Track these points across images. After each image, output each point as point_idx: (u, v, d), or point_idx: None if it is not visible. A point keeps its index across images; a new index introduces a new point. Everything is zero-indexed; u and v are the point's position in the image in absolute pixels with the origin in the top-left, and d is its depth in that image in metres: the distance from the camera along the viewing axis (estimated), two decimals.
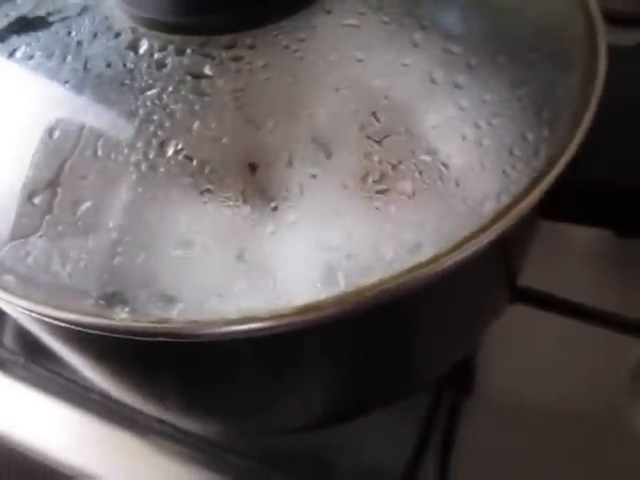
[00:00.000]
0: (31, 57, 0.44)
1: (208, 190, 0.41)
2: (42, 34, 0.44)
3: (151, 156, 0.40)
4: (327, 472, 0.68)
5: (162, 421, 0.70)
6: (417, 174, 0.46)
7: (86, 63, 0.42)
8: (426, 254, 0.41)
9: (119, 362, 0.50)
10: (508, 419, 0.70)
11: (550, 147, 0.46)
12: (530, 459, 0.68)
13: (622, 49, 0.56)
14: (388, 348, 0.51)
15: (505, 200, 0.46)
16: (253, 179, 0.41)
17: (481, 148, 0.51)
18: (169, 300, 0.39)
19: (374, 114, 0.44)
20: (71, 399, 0.74)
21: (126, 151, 0.40)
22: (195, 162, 0.40)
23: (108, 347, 0.46)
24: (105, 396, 0.71)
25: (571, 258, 0.79)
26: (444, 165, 0.49)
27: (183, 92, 0.41)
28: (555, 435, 0.69)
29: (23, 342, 0.78)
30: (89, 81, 0.42)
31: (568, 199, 0.50)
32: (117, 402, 0.71)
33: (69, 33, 0.44)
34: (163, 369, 0.49)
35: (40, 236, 0.40)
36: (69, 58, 0.43)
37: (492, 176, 0.51)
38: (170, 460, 0.69)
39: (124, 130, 0.41)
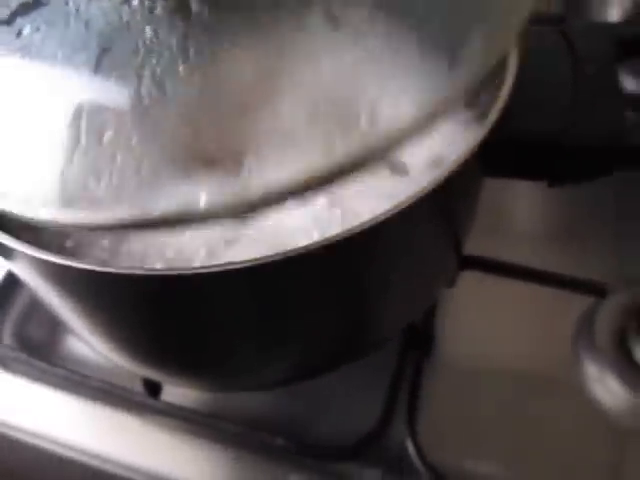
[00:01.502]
0: (37, 30, 0.47)
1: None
2: (44, 10, 0.48)
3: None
4: (307, 431, 0.71)
5: (155, 396, 0.72)
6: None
7: (87, 24, 0.46)
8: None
9: (116, 309, 0.53)
10: (466, 377, 0.74)
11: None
12: (488, 411, 0.71)
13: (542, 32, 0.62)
14: (344, 298, 0.54)
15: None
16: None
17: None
18: None
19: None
20: (70, 389, 0.76)
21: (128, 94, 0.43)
22: None
23: (108, 294, 0.49)
24: (104, 381, 0.73)
25: (516, 230, 0.84)
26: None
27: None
28: (509, 388, 0.73)
29: (22, 338, 0.81)
30: (92, 38, 0.45)
31: (502, 155, 0.55)
32: (115, 385, 0.73)
33: (67, 3, 0.47)
34: (158, 315, 0.53)
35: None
36: (72, 23, 0.46)
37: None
38: (166, 434, 0.72)
39: (128, 69, 0.44)
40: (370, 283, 0.54)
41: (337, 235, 0.44)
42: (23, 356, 0.77)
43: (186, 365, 0.61)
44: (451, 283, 0.73)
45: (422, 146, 0.63)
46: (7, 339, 0.80)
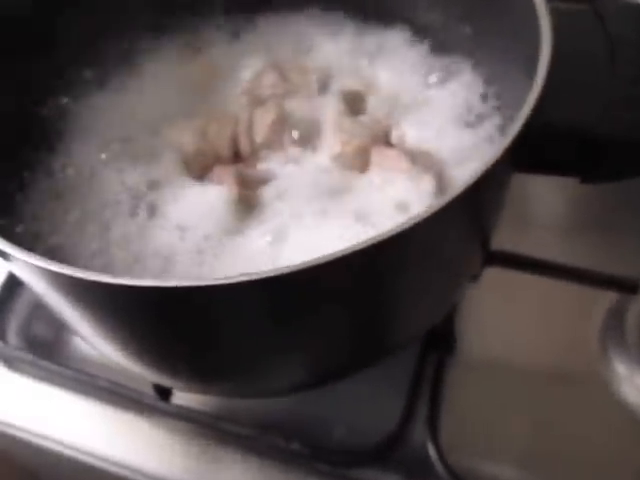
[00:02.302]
0: None
1: None
2: None
3: None
4: (324, 434, 0.67)
5: (166, 399, 0.68)
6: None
7: None
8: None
9: (128, 320, 0.49)
10: (489, 377, 0.70)
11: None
12: (511, 412, 0.67)
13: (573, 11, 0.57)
14: (373, 303, 0.50)
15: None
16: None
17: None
18: None
19: None
20: (78, 389, 0.72)
21: None
22: None
23: (121, 305, 0.46)
24: (112, 381, 0.69)
25: (539, 222, 0.79)
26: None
27: None
28: (533, 387, 0.68)
29: (27, 337, 0.77)
30: None
31: (534, 150, 0.50)
32: (123, 386, 0.69)
33: None
34: (170, 327, 0.48)
35: None
36: None
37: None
38: (176, 436, 0.68)
39: None
40: (398, 288, 0.49)
41: (370, 240, 0.40)
42: (29, 356, 0.73)
43: (202, 373, 0.57)
44: (474, 278, 0.68)
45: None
46: (12, 338, 0.76)
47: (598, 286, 0.70)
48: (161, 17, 0.73)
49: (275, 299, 0.43)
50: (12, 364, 0.74)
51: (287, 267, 0.39)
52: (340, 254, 0.39)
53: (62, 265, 0.41)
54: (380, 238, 0.39)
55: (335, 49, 0.72)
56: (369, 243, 0.39)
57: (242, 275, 0.39)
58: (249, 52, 0.72)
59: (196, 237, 0.57)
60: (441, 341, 0.69)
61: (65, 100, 0.68)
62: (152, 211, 0.60)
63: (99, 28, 0.70)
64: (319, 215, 0.57)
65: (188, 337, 0.49)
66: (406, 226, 0.40)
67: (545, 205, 0.80)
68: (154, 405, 0.69)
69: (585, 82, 0.53)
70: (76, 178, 0.63)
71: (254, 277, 0.39)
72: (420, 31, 0.71)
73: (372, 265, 0.43)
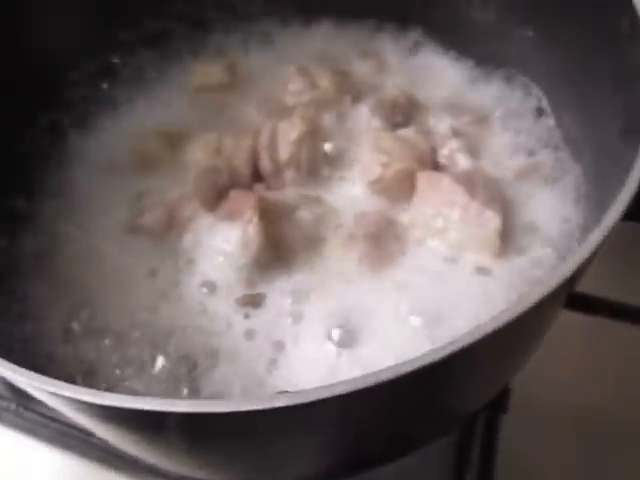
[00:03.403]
0: None
1: None
2: None
3: None
4: None
5: None
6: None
7: None
8: None
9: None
10: (549, 434, 0.60)
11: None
12: (574, 474, 0.59)
13: None
14: (441, 395, 0.41)
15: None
16: None
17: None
18: None
19: None
20: (67, 444, 0.63)
21: None
22: None
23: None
24: (103, 440, 0.59)
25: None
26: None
27: None
28: (599, 444, 0.60)
29: (13, 387, 0.65)
30: None
31: None
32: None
33: None
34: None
35: None
36: None
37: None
38: None
39: None
40: (471, 379, 0.41)
41: (447, 347, 0.31)
42: (12, 405, 0.64)
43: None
44: None
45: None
46: None
47: None
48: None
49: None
50: None
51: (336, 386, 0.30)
52: (410, 368, 0.30)
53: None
54: (457, 346, 0.31)
55: (374, 60, 0.64)
56: (446, 353, 0.30)
57: (281, 398, 0.30)
58: (277, 58, 0.64)
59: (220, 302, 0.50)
60: (494, 399, 0.58)
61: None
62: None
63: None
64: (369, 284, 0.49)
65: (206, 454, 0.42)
66: (489, 329, 0.31)
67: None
68: (153, 468, 0.59)
69: None
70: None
71: (288, 403, 0.30)
72: (473, 37, 0.62)
73: (445, 370, 0.33)
